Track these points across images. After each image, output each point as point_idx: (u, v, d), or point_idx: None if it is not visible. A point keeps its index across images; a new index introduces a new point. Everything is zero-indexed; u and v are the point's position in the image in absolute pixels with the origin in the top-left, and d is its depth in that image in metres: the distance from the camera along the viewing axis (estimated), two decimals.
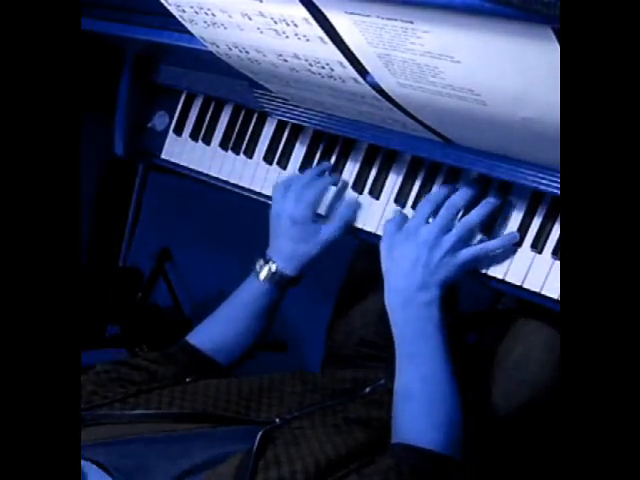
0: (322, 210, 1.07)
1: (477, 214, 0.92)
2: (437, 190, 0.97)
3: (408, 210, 1.01)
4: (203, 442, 0.81)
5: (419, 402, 0.88)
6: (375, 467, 0.81)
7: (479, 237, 0.94)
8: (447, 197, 0.94)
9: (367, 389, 1.03)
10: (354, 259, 1.26)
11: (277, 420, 0.88)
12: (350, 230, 1.06)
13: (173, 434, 0.83)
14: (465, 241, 0.92)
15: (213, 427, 0.86)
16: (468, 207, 0.94)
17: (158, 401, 0.88)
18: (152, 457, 0.75)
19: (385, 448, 0.86)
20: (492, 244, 0.92)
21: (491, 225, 0.94)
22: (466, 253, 0.91)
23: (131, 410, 0.86)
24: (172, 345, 1.05)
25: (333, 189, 1.07)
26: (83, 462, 0.71)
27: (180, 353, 1.03)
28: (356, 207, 1.05)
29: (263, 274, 1.05)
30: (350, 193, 1.07)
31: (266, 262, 1.06)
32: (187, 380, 0.95)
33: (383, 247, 0.95)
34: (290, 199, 1.05)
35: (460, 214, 0.94)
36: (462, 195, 0.94)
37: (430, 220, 0.93)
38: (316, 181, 1.06)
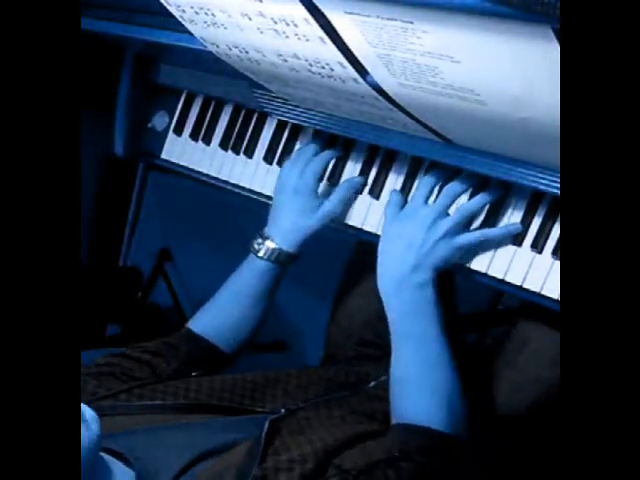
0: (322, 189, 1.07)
1: (476, 202, 0.93)
2: (434, 174, 0.97)
3: None
4: (208, 432, 0.81)
5: (417, 384, 0.88)
6: (379, 445, 0.81)
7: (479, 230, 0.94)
8: (444, 179, 0.95)
9: (371, 383, 1.03)
10: (352, 258, 1.25)
11: (282, 410, 0.88)
12: (350, 229, 1.06)
13: (178, 424, 0.83)
14: (463, 227, 0.92)
15: (218, 418, 0.86)
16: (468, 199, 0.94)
17: (163, 392, 0.89)
18: (159, 447, 0.75)
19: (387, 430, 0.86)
20: (492, 232, 0.92)
21: (491, 225, 0.94)
22: (463, 238, 0.92)
23: (136, 402, 0.86)
24: (173, 333, 1.04)
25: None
26: (103, 454, 0.70)
27: (183, 342, 1.02)
28: (355, 182, 1.05)
29: (262, 252, 1.04)
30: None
31: (264, 240, 1.04)
32: (193, 374, 0.95)
33: (383, 231, 0.96)
34: (295, 171, 1.04)
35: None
36: (461, 182, 0.94)
37: (430, 202, 0.94)
38: (321, 154, 1.06)
